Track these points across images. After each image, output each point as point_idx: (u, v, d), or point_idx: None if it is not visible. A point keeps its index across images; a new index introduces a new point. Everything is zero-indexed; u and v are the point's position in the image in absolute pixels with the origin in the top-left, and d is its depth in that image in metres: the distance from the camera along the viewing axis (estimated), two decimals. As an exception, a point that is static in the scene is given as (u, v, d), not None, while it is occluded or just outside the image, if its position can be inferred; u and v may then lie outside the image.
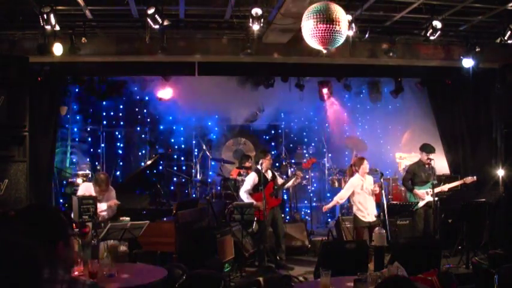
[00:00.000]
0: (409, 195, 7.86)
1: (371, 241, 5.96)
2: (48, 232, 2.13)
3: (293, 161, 10.18)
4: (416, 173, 7.66)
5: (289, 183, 7.63)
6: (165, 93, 9.86)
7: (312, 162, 8.62)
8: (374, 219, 7.01)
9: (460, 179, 7.78)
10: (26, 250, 1.80)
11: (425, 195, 7.51)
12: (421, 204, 7.57)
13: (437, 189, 7.33)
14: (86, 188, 6.29)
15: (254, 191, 7.29)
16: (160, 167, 9.86)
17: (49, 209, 2.50)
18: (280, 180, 7.58)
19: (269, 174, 7.47)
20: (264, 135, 11.17)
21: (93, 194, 6.05)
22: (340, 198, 7.15)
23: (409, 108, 10.22)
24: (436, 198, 7.35)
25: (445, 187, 7.64)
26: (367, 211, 6.97)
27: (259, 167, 7.37)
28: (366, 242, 5.55)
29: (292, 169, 9.01)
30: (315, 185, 10.68)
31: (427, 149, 7.56)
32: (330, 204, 7.36)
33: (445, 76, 8.94)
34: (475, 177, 7.55)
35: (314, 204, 10.24)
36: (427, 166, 7.54)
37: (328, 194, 10.61)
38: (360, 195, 6.99)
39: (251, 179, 7.34)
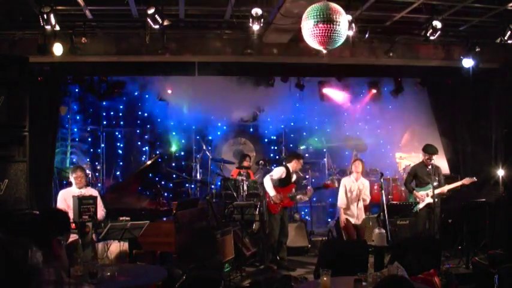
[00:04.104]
0: (409, 196, 7.81)
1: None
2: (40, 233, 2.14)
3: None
4: (418, 174, 7.55)
5: (298, 196, 7.65)
6: (165, 93, 9.86)
7: (332, 187, 8.66)
8: (359, 222, 7.09)
9: (460, 179, 7.67)
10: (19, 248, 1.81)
11: (425, 196, 7.39)
12: (421, 205, 7.43)
13: (437, 191, 7.23)
14: (61, 198, 6.25)
15: (279, 185, 7.32)
16: (160, 167, 9.87)
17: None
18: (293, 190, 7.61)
19: (293, 177, 7.54)
20: (264, 135, 11.17)
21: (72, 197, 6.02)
22: (340, 202, 7.21)
23: (409, 108, 10.20)
24: (436, 200, 7.27)
25: (445, 188, 7.48)
26: (349, 212, 7.02)
27: (289, 165, 7.44)
28: (365, 242, 5.55)
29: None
30: (315, 185, 10.66)
31: (429, 150, 7.42)
32: (341, 216, 7.21)
33: (445, 76, 8.93)
34: (474, 178, 7.42)
35: (314, 204, 10.24)
36: (428, 168, 7.40)
37: (329, 195, 10.63)
38: (345, 196, 7.06)
39: (280, 172, 7.35)
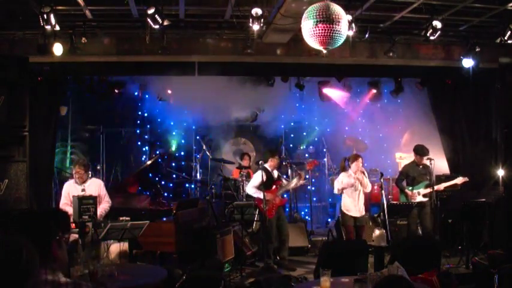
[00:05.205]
0: (401, 195, 7.86)
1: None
2: (40, 233, 2.14)
3: (291, 161, 10.18)
4: (409, 173, 7.66)
5: (292, 185, 7.55)
6: (165, 93, 9.86)
7: (314, 164, 8.64)
8: (361, 214, 7.09)
9: (459, 178, 7.79)
10: (13, 248, 1.81)
11: (416, 195, 7.47)
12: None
13: (428, 190, 7.37)
14: (66, 192, 6.22)
15: (265, 188, 7.18)
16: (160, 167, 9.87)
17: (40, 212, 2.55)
18: (284, 182, 7.55)
19: (275, 174, 7.48)
20: (264, 135, 11.17)
21: (74, 190, 6.02)
22: (336, 189, 7.22)
23: (409, 108, 10.21)
24: (427, 199, 7.38)
25: (440, 186, 7.61)
26: (351, 205, 7.01)
27: (266, 165, 7.36)
28: (365, 242, 5.55)
29: (293, 169, 8.98)
30: (315, 184, 10.68)
31: (419, 151, 7.55)
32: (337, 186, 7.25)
33: (445, 76, 8.93)
34: (466, 178, 7.57)
35: (314, 204, 10.24)
36: (420, 167, 7.56)
37: (328, 195, 10.63)
38: (347, 190, 7.04)
39: (259, 176, 7.21)
